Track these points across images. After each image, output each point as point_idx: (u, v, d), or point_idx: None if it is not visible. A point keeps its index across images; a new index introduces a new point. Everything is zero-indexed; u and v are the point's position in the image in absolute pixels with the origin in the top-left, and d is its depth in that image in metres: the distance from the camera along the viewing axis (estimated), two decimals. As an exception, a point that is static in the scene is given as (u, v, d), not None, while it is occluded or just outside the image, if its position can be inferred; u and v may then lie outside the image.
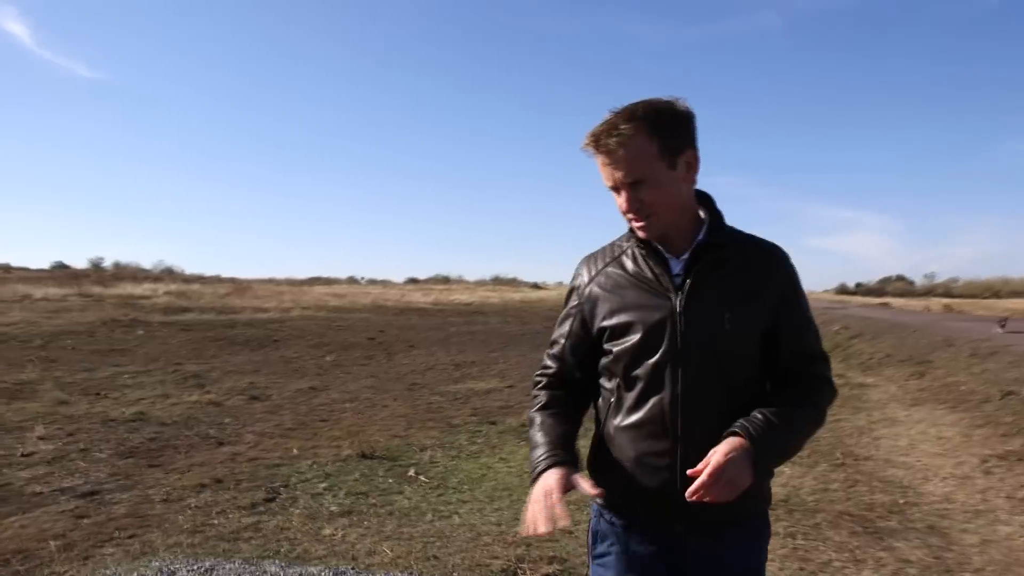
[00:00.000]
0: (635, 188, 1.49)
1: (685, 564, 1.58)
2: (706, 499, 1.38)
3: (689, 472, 1.40)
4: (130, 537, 4.44)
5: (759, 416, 1.45)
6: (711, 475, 1.36)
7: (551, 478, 1.51)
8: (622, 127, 1.45)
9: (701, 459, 1.41)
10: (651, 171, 1.47)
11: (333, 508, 5.05)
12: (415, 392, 10.87)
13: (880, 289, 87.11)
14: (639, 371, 1.54)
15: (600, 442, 1.67)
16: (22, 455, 6.47)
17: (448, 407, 9.65)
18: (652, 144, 1.46)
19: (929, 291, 74.72)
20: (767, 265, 1.56)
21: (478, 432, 8.03)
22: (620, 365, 1.58)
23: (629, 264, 1.61)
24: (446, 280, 69.08)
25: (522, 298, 44.54)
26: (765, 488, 1.61)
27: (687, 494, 1.39)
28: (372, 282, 71.40)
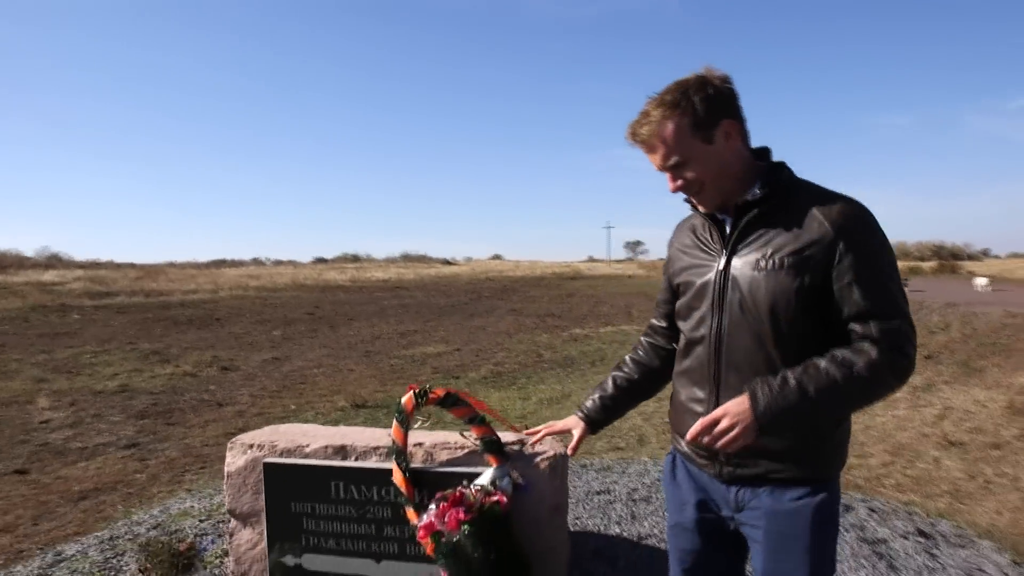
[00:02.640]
0: (677, 169, 1.53)
1: (734, 512, 1.62)
2: (707, 444, 1.45)
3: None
4: (201, 468, 5.28)
5: (779, 377, 1.44)
6: (703, 423, 1.44)
7: (567, 421, 2.00)
8: (652, 114, 1.50)
9: None
10: (687, 151, 1.50)
11: (360, 440, 6.03)
12: (372, 358, 11.70)
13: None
14: (690, 323, 1.64)
15: (672, 386, 1.79)
16: (40, 423, 7.03)
17: (410, 367, 10.58)
18: (683, 125, 1.49)
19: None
20: (824, 218, 1.47)
21: (448, 384, 9.03)
22: (680, 317, 1.70)
23: (698, 227, 1.69)
24: (356, 259, 68.76)
25: (436, 273, 45.23)
26: (825, 453, 1.56)
27: (685, 435, 1.49)
28: (279, 263, 70.31)
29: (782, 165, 1.58)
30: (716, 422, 1.41)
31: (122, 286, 24.07)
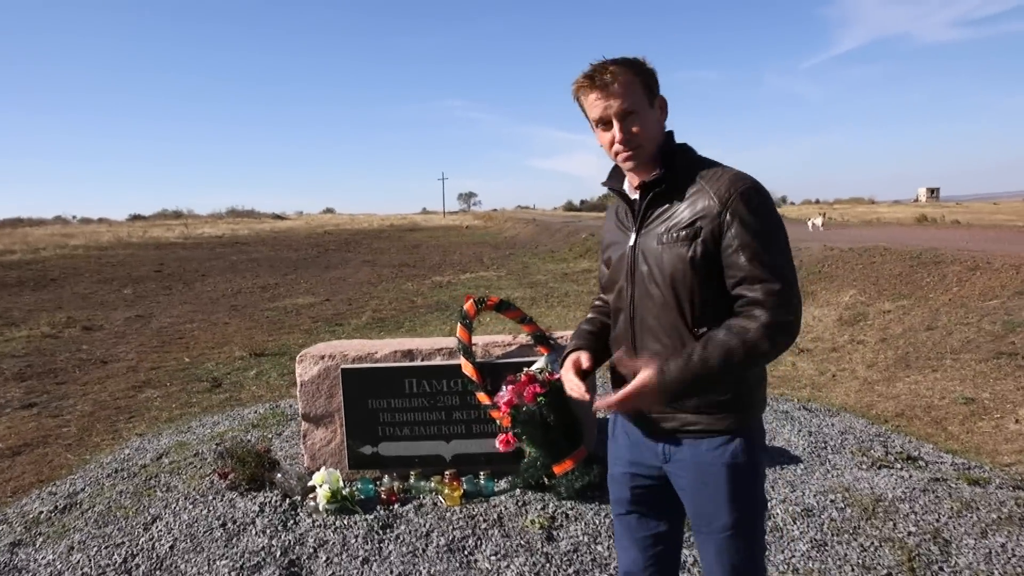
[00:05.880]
0: (626, 119, 1.62)
1: (663, 463, 1.73)
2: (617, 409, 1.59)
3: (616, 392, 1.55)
4: (131, 419, 5.28)
5: (684, 355, 1.53)
6: (619, 402, 1.53)
7: (567, 360, 1.81)
8: (612, 68, 1.61)
9: None
10: (639, 103, 1.62)
11: (281, 382, 6.20)
12: (243, 312, 11.54)
13: (602, 205, 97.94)
14: (613, 294, 1.79)
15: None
16: (-96, 390, 6.51)
17: (287, 319, 10.59)
18: (638, 82, 1.62)
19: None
20: (712, 192, 1.59)
21: (335, 331, 9.25)
22: (606, 291, 1.84)
23: (619, 209, 1.84)
24: (178, 215, 64.21)
25: (272, 228, 43.56)
26: (735, 404, 1.64)
27: (594, 406, 1.61)
28: (88, 221, 64.21)
29: (682, 147, 1.72)
30: (628, 400, 1.52)
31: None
